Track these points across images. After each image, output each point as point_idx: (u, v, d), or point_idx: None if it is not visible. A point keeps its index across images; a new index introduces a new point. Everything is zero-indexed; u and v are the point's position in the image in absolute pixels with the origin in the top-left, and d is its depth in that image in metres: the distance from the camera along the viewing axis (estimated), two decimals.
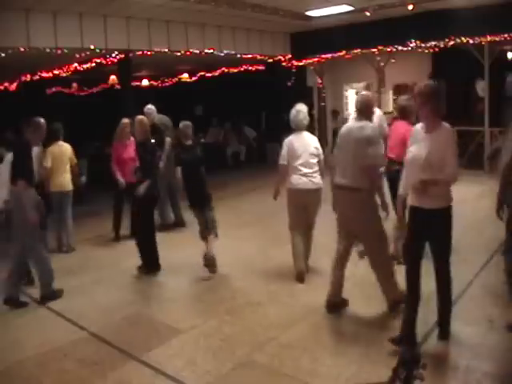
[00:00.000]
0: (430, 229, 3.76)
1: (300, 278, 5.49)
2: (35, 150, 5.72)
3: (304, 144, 5.53)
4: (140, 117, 6.28)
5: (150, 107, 7.75)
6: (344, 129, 4.65)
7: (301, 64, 14.03)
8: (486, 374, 3.57)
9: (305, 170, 5.47)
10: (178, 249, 6.91)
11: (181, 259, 6.51)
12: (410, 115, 5.57)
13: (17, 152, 5.38)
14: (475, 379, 3.54)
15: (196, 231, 6.21)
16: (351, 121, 4.86)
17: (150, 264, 6.05)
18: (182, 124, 6.16)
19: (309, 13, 11.11)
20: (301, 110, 5.58)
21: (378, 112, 6.35)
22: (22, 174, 5.20)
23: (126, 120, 7.42)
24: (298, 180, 5.47)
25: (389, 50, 12.18)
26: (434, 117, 3.76)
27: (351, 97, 15.37)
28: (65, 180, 7.07)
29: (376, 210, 4.50)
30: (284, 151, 5.58)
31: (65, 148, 7.12)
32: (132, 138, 7.13)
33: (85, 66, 10.96)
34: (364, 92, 4.98)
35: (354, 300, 4.74)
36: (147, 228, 6.09)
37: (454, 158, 3.67)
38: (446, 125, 3.79)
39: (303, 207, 5.55)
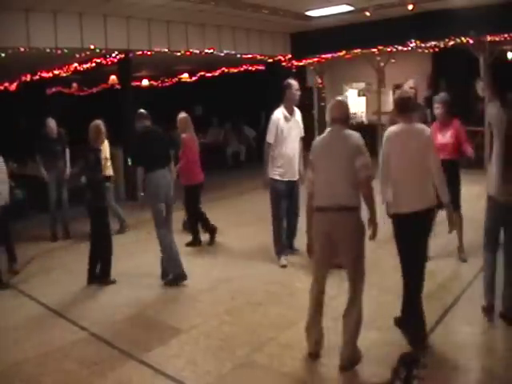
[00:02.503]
0: None
1: None
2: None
3: None
4: (99, 121, 6.09)
5: (50, 120, 7.90)
6: (320, 141, 3.91)
7: (301, 64, 14.03)
8: (485, 373, 3.58)
9: None
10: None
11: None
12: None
13: (152, 140, 5.75)
14: (475, 379, 3.54)
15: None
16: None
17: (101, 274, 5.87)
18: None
19: (309, 13, 11.11)
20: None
21: None
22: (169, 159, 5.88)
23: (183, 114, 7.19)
24: None
25: (389, 50, 12.18)
26: None
27: (351, 97, 15.39)
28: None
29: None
30: None
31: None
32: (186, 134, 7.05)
33: (85, 66, 10.96)
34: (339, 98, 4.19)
35: None
36: (98, 238, 5.86)
37: None
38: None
39: None
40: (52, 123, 7.90)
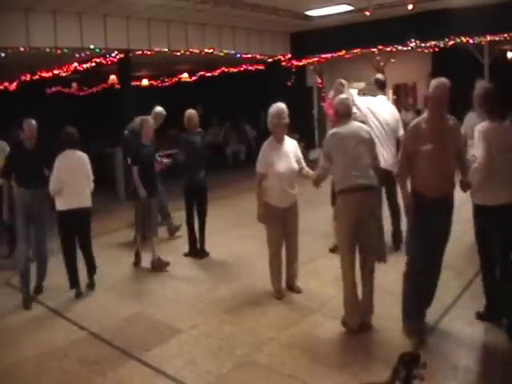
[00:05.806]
0: None
1: None
2: None
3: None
4: (193, 110, 6.58)
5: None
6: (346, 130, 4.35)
7: (300, 64, 14.03)
8: (485, 374, 3.58)
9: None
10: (174, 250, 6.91)
11: (181, 259, 6.52)
12: None
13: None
14: (475, 379, 3.54)
15: None
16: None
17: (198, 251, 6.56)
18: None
19: (308, 12, 11.11)
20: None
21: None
22: None
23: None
24: None
25: (389, 49, 12.18)
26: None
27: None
28: None
29: None
30: None
31: None
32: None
33: (85, 66, 10.95)
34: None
35: None
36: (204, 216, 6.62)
37: None
38: None
39: None
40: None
